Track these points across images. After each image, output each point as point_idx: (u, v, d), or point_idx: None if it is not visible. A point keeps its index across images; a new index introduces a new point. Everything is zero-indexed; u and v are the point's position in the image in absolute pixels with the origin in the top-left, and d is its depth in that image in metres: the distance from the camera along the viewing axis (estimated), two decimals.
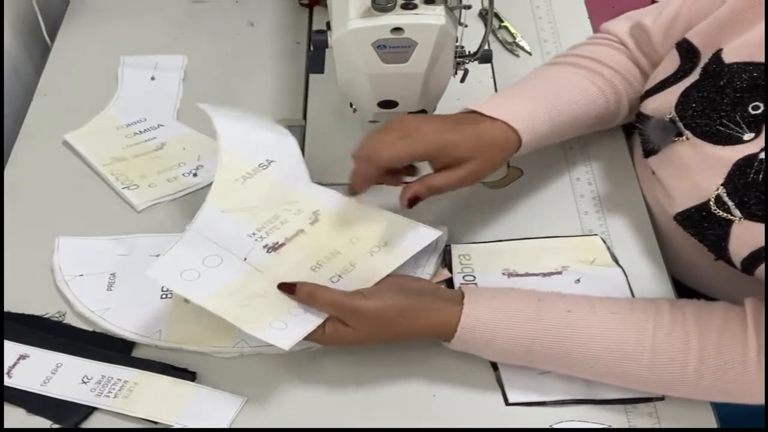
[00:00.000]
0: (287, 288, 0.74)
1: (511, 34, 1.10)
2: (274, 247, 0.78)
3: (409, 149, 0.76)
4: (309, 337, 0.73)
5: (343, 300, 0.72)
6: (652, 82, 0.85)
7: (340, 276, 0.76)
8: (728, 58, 0.77)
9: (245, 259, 0.76)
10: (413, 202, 0.78)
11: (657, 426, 0.75)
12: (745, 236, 0.73)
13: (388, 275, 0.77)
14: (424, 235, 0.80)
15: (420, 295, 0.75)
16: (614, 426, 0.75)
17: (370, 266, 0.77)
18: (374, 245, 0.79)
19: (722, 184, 0.75)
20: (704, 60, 0.79)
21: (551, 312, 0.74)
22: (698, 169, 0.77)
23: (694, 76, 0.80)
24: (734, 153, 0.74)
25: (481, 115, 0.80)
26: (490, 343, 0.74)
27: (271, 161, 0.85)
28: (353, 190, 0.81)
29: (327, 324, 0.73)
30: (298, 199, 0.82)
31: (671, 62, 0.83)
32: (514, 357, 0.75)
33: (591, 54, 0.90)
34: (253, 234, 0.79)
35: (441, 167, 0.78)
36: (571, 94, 0.86)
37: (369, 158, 0.77)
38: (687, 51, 0.81)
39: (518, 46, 1.09)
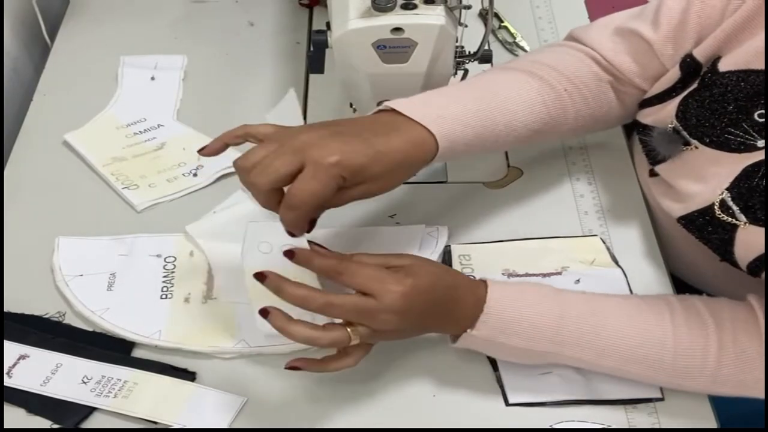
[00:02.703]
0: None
1: (511, 34, 1.11)
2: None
3: (326, 187, 0.67)
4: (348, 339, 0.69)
5: (385, 259, 0.71)
6: (650, 93, 0.84)
7: None
8: (723, 66, 0.76)
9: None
10: (312, 226, 0.72)
11: (657, 426, 0.75)
12: (750, 241, 0.73)
13: None
14: None
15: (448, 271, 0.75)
16: (614, 426, 0.75)
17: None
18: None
19: (727, 188, 0.75)
20: (704, 70, 0.79)
21: (569, 294, 0.74)
22: (712, 176, 0.77)
23: (693, 85, 0.80)
24: (748, 159, 0.74)
25: (398, 114, 0.74)
26: (520, 317, 0.71)
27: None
28: (293, 234, 0.71)
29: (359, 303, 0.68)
30: None
31: (672, 75, 0.82)
32: (541, 338, 0.72)
33: (549, 61, 0.84)
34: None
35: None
36: (511, 102, 0.80)
37: (292, 207, 0.68)
38: (689, 65, 0.80)
39: (518, 46, 1.09)
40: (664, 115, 0.82)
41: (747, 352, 0.71)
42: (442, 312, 0.72)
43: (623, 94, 0.87)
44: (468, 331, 0.72)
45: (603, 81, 0.86)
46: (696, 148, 0.78)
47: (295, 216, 0.69)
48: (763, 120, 0.74)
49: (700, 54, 0.79)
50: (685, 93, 0.80)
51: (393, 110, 0.74)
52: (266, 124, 0.73)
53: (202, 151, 0.76)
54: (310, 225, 0.71)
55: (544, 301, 0.73)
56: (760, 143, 0.74)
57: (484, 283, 0.73)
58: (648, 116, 0.84)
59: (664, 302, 0.75)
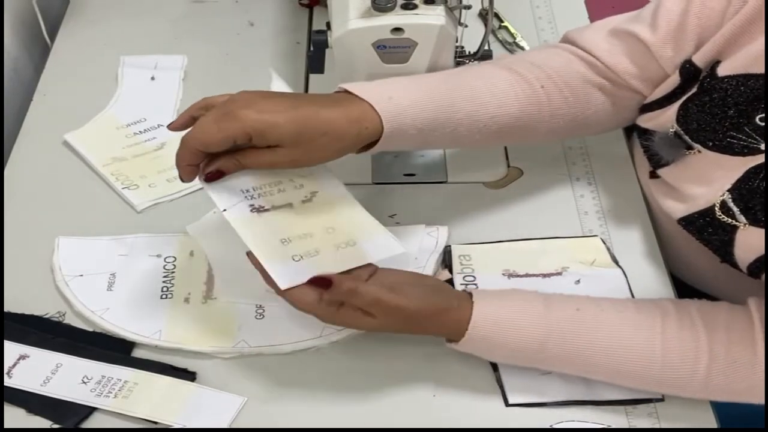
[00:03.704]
0: (323, 283, 0.70)
1: (511, 34, 1.11)
2: (259, 210, 0.75)
3: (221, 133, 0.68)
4: (316, 313, 0.70)
5: (378, 294, 0.70)
6: (651, 98, 0.84)
7: (302, 257, 0.74)
8: (722, 71, 0.76)
9: (224, 210, 0.72)
10: (214, 176, 0.72)
11: (657, 426, 0.75)
12: (750, 242, 0.73)
13: (399, 270, 0.75)
14: (388, 247, 0.76)
15: (437, 292, 0.74)
16: (614, 426, 0.75)
17: (330, 258, 0.74)
18: (343, 241, 0.76)
19: (728, 190, 0.75)
20: (703, 74, 0.79)
21: (559, 310, 0.74)
22: (710, 176, 0.77)
23: (692, 90, 0.79)
24: (751, 162, 0.74)
25: (349, 94, 0.73)
26: (502, 341, 0.73)
27: None
28: (181, 178, 0.73)
29: (346, 309, 0.70)
30: (306, 175, 0.78)
31: (672, 80, 0.81)
32: (525, 356, 0.74)
33: (534, 59, 0.82)
34: (247, 191, 0.75)
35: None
36: (479, 92, 0.77)
37: (183, 142, 0.70)
38: (689, 72, 0.79)
39: (518, 46, 1.09)
40: (665, 119, 0.81)
41: (739, 362, 0.71)
42: (421, 330, 0.74)
43: (618, 98, 0.85)
44: (453, 344, 0.74)
45: (590, 83, 0.84)
46: (699, 152, 0.78)
47: (180, 153, 0.70)
48: (764, 123, 0.74)
49: (700, 59, 0.79)
50: (685, 97, 0.79)
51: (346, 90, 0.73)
52: (224, 94, 0.73)
53: (171, 126, 0.76)
54: (212, 175, 0.71)
55: (530, 323, 0.73)
56: (763, 146, 0.74)
57: (469, 298, 0.74)
58: (648, 121, 0.84)
59: (658, 312, 0.74)
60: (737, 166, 0.75)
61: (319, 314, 0.71)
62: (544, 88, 0.80)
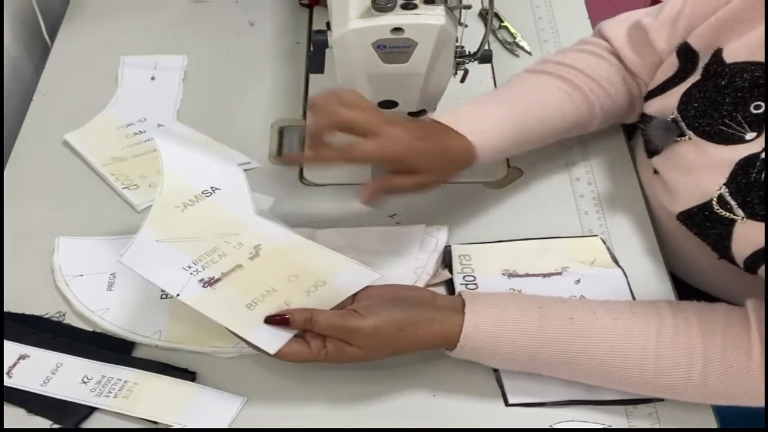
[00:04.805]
0: (278, 321, 0.72)
1: (511, 34, 1.11)
2: (210, 282, 0.74)
3: (381, 150, 0.76)
4: (312, 359, 0.72)
5: (341, 322, 0.71)
6: (654, 84, 0.85)
7: None
8: (729, 57, 0.77)
9: (178, 295, 0.72)
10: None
11: (657, 426, 0.75)
12: (747, 236, 0.73)
13: (382, 285, 0.77)
14: (363, 275, 0.77)
15: (417, 306, 0.74)
16: (614, 426, 0.75)
17: (304, 306, 0.73)
18: (312, 284, 0.76)
19: (725, 184, 0.75)
20: (704, 60, 0.79)
21: (554, 320, 0.74)
22: (701, 169, 0.77)
23: (695, 76, 0.80)
24: (737, 153, 0.74)
25: (445, 125, 0.80)
26: (493, 352, 0.73)
27: (216, 189, 0.81)
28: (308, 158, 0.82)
29: (328, 343, 0.72)
30: (240, 232, 0.78)
31: (671, 64, 0.83)
32: (518, 365, 0.75)
33: (575, 63, 0.89)
34: (189, 267, 0.74)
35: (397, 170, 0.79)
36: (544, 110, 0.86)
37: (347, 151, 0.76)
38: (686, 53, 0.81)
39: (518, 46, 1.09)
40: (667, 106, 0.82)
41: (734, 367, 0.71)
42: (408, 347, 0.74)
43: (637, 85, 0.91)
44: (447, 350, 0.75)
45: (623, 73, 0.90)
46: (690, 139, 0.79)
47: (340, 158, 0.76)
48: (757, 112, 0.74)
49: (695, 42, 0.81)
50: (690, 84, 0.80)
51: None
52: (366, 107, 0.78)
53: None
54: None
55: (523, 335, 0.73)
56: (748, 136, 0.74)
57: (461, 308, 0.74)
58: (652, 107, 0.85)
59: (654, 317, 0.74)
60: (726, 157, 0.75)
61: (319, 359, 0.72)
62: (593, 92, 0.88)
